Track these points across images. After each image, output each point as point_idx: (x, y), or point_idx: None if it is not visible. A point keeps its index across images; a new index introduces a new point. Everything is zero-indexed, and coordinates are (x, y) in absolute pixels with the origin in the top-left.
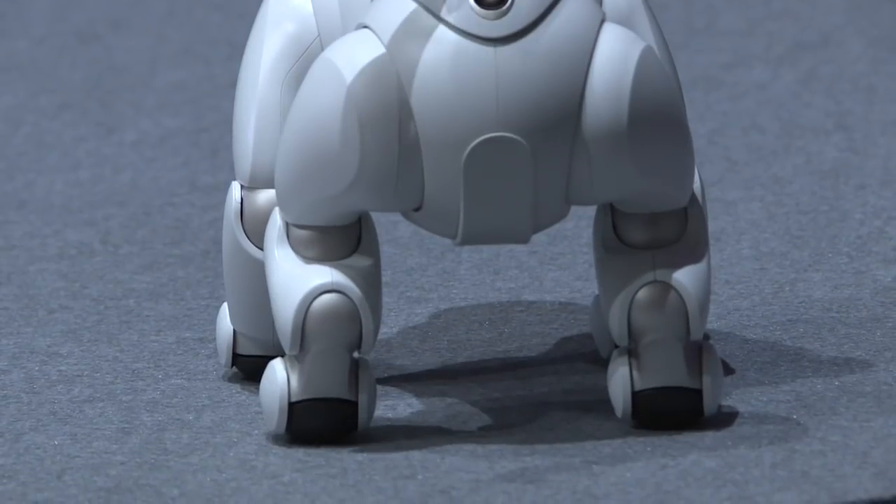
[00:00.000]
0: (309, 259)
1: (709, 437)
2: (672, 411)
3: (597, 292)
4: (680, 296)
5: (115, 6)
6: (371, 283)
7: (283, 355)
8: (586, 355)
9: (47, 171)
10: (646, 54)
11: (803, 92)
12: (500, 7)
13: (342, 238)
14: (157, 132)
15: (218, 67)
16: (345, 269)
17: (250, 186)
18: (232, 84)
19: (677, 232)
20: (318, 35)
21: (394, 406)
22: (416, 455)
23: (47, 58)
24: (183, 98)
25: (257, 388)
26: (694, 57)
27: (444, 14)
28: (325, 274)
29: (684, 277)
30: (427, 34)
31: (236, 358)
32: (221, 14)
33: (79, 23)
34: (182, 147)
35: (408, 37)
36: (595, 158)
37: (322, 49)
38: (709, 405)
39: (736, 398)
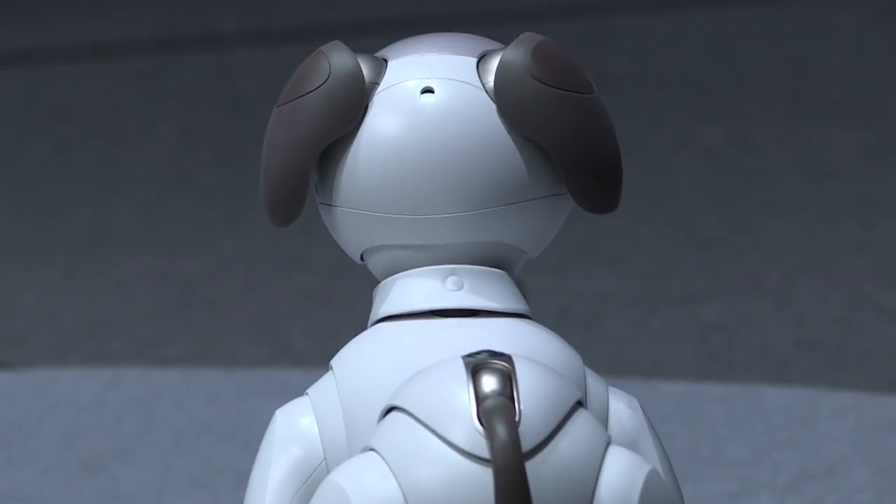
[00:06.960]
0: None
1: None
2: None
3: None
4: None
5: (121, 437)
6: None
7: None
8: None
9: None
10: (651, 478)
11: None
12: None
13: None
14: None
15: (224, 497)
16: None
17: None
18: None
19: None
20: (325, 458)
21: None
22: None
23: (53, 488)
24: None
25: None
26: (700, 486)
27: (449, 436)
28: None
29: None
30: (433, 457)
31: None
32: (228, 444)
33: (85, 454)
34: None
35: (413, 460)
36: None
37: (328, 472)
38: None
39: None
